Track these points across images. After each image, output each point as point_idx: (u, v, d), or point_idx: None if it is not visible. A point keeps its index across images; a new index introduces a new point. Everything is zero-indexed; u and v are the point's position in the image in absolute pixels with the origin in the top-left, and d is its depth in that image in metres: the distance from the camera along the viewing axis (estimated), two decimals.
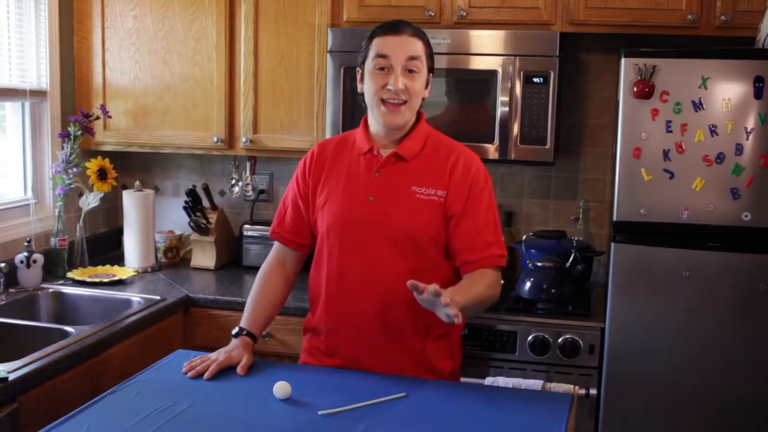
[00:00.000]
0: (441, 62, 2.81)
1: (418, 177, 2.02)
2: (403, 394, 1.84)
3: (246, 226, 3.33)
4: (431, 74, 2.08)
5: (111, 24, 3.17)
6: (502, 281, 2.10)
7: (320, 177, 2.10)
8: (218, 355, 1.99)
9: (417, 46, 1.99)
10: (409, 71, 1.98)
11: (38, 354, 2.16)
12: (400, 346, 2.03)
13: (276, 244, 2.21)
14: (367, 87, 2.03)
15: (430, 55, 2.05)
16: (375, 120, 2.05)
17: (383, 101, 1.99)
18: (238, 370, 1.95)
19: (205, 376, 1.92)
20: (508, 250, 3.12)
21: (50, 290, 2.87)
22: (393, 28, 2.00)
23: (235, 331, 2.08)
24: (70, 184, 3.04)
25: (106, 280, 2.97)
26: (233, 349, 2.01)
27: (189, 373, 1.93)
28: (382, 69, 1.99)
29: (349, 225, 2.03)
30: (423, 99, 2.07)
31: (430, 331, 2.05)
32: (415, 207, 2.00)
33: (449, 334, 2.10)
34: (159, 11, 3.13)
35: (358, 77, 2.08)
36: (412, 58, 1.98)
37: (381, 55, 1.98)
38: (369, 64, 2.01)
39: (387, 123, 2.01)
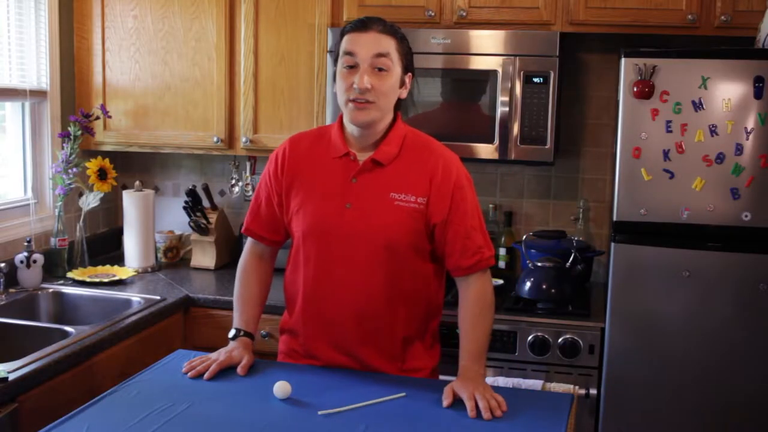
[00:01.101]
0: (441, 62, 2.82)
1: (397, 183, 1.97)
2: (403, 394, 1.85)
3: None
4: (410, 74, 2.01)
5: (111, 24, 3.17)
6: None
7: (294, 178, 2.04)
8: (219, 355, 1.98)
9: (386, 43, 1.91)
10: (379, 69, 1.90)
11: (38, 354, 2.16)
12: (377, 350, 2.02)
13: (250, 239, 2.17)
14: (338, 86, 1.96)
15: (406, 53, 1.97)
16: (347, 119, 1.99)
17: (351, 100, 1.92)
18: (239, 370, 1.95)
19: (206, 376, 1.91)
20: (507, 250, 3.14)
21: (50, 290, 2.87)
22: (361, 24, 1.93)
23: (232, 333, 2.07)
24: (70, 184, 3.04)
25: (106, 280, 2.97)
26: (234, 349, 2.01)
27: (189, 373, 1.93)
28: (350, 67, 1.92)
29: (326, 232, 1.98)
30: (400, 99, 2.01)
31: (407, 334, 2.04)
32: (394, 214, 1.96)
33: (425, 334, 2.09)
34: (159, 11, 3.13)
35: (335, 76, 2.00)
36: (380, 55, 1.90)
37: (348, 53, 1.91)
38: (339, 62, 1.95)
39: (353, 120, 1.94)
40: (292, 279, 2.09)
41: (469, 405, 1.77)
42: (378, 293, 1.98)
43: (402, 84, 1.99)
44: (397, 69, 1.95)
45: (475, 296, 2.01)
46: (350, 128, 2.00)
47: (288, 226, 2.08)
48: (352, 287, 1.99)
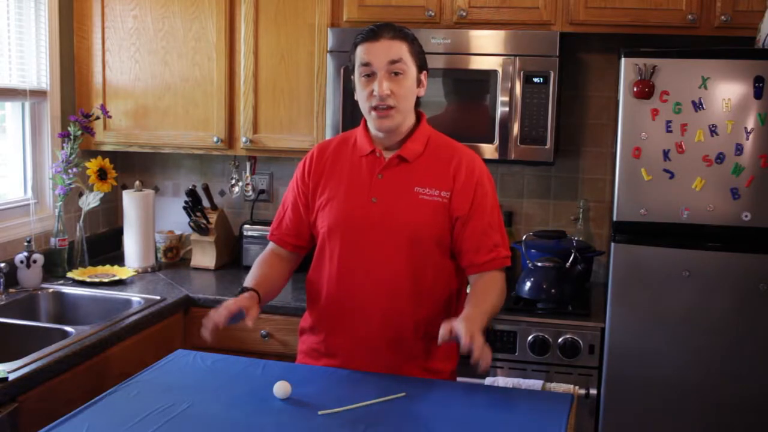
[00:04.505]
0: (441, 62, 2.82)
1: (421, 178, 2.02)
2: (403, 394, 1.84)
3: (246, 226, 3.33)
4: (425, 72, 2.06)
5: (111, 24, 3.18)
6: None
7: (320, 179, 2.09)
8: (227, 305, 1.90)
9: (398, 49, 1.97)
10: (394, 74, 1.96)
11: (38, 354, 2.16)
12: (400, 348, 2.03)
13: (272, 244, 2.19)
14: (358, 96, 2.03)
15: (418, 53, 2.03)
16: (371, 126, 2.05)
17: (374, 108, 1.98)
18: (247, 321, 1.87)
19: (219, 324, 1.85)
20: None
21: (50, 290, 2.87)
22: (372, 34, 1.98)
23: (239, 290, 2.01)
24: (70, 184, 3.04)
25: (106, 280, 2.97)
26: (241, 298, 1.94)
27: (206, 334, 1.86)
28: (368, 76, 1.98)
29: (351, 226, 2.02)
30: (418, 97, 2.05)
31: (430, 333, 2.04)
32: (419, 207, 2.00)
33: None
34: (159, 11, 3.13)
35: (354, 87, 2.06)
36: (394, 61, 1.96)
37: (364, 63, 1.98)
38: (356, 73, 2.02)
39: (379, 128, 2.00)
40: (315, 277, 2.11)
41: (464, 341, 1.73)
42: (401, 287, 2.00)
43: (419, 83, 2.04)
44: (412, 70, 2.00)
45: (488, 279, 2.02)
46: (374, 131, 2.06)
47: (313, 226, 2.11)
48: (375, 280, 2.01)
